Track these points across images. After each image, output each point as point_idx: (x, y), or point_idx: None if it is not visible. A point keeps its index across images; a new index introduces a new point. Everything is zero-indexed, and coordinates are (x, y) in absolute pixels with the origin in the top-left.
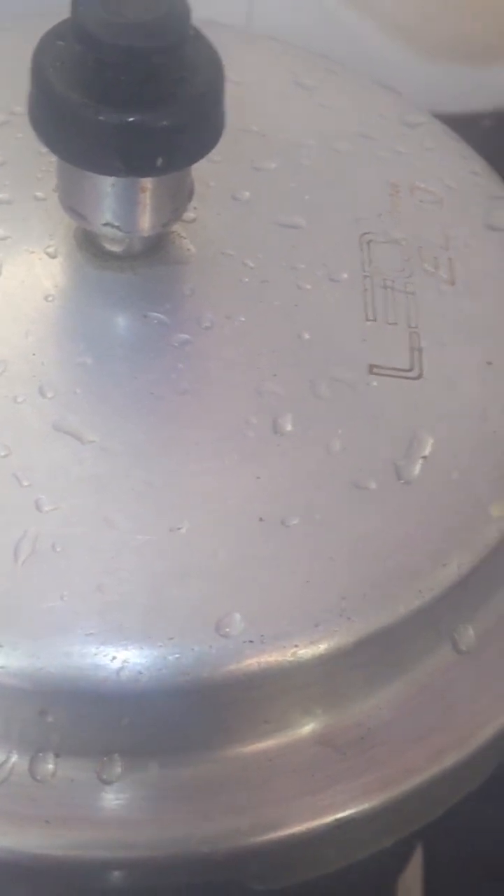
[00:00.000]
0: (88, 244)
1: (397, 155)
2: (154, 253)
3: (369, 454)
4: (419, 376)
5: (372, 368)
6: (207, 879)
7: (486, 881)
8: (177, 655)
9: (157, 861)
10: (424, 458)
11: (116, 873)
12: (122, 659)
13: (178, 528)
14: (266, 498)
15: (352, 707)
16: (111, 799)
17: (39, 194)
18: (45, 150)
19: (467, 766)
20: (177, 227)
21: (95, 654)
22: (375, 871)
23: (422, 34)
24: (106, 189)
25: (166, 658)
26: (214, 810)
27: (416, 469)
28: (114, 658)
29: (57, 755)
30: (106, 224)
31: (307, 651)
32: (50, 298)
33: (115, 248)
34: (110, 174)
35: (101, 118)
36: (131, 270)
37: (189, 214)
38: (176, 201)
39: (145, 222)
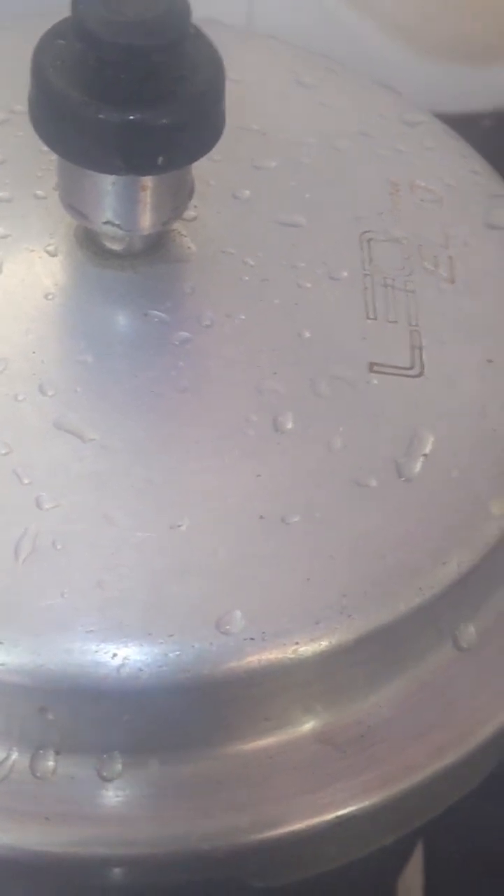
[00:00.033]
0: (89, 242)
1: (397, 153)
2: (154, 251)
3: (370, 452)
4: (419, 374)
5: (372, 366)
6: (207, 877)
7: (487, 878)
8: (177, 652)
9: (157, 858)
10: (425, 455)
11: (117, 870)
12: (123, 656)
13: (179, 526)
14: (266, 495)
15: (352, 704)
16: (111, 796)
17: (40, 192)
18: (45, 148)
19: (467, 763)
20: (177, 226)
21: (96, 651)
22: (376, 868)
23: (422, 34)
24: (106, 187)
25: (167, 655)
26: (215, 807)
27: (417, 467)
28: (114, 655)
29: (57, 752)
30: (106, 222)
31: (308, 648)
32: (50, 296)
33: (116, 247)
34: (111, 172)
35: (101, 116)
36: (132, 269)
37: (189, 213)
38: (176, 200)
39: (146, 220)
